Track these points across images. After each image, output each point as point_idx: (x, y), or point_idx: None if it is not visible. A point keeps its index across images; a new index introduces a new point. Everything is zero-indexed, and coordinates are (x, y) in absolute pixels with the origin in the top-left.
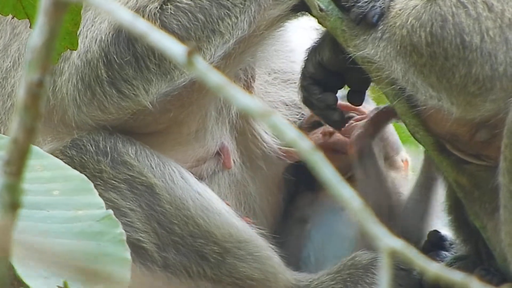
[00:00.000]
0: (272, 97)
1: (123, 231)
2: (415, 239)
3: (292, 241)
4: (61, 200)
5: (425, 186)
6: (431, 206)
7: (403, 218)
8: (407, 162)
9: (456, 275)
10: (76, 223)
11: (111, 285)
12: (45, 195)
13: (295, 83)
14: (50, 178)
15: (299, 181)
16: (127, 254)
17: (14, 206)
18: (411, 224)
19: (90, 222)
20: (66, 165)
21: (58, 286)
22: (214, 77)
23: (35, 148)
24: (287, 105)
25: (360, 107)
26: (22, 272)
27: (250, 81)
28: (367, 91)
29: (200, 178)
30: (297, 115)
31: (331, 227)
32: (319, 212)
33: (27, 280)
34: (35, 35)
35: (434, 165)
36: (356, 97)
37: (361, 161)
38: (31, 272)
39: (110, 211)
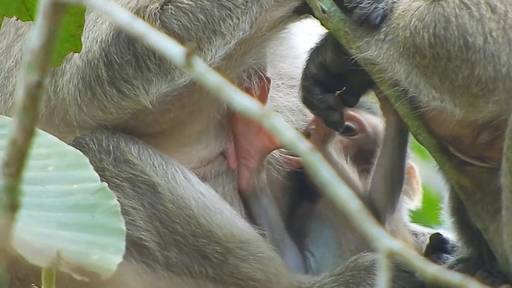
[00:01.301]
0: (277, 101)
1: (118, 202)
2: (382, 210)
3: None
4: (56, 175)
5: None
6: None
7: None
8: (411, 170)
9: (454, 277)
10: (71, 197)
11: (105, 255)
12: (40, 171)
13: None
14: (45, 154)
15: (299, 191)
16: (122, 224)
17: (13, 207)
18: (378, 192)
19: (84, 195)
20: (62, 142)
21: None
22: (213, 78)
23: None
24: (292, 111)
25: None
26: (16, 245)
27: (255, 85)
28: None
29: (203, 179)
30: (302, 120)
31: (330, 238)
32: (318, 223)
33: (21, 251)
34: (34, 36)
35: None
36: (351, 99)
37: None
38: (25, 244)
39: (105, 184)
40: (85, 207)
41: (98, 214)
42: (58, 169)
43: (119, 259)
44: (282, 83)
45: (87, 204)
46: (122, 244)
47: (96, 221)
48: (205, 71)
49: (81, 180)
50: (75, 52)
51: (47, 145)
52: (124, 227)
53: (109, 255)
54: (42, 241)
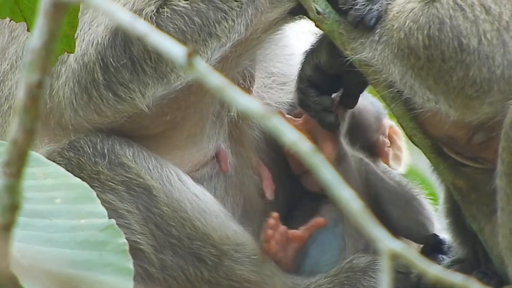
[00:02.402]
0: (270, 100)
1: (126, 241)
2: (415, 232)
3: None
4: (63, 208)
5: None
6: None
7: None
8: (392, 130)
9: (456, 277)
10: (79, 232)
11: None
12: (47, 204)
13: (291, 85)
14: (52, 186)
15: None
16: (130, 264)
17: (13, 207)
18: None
19: (92, 232)
20: (69, 173)
21: None
22: (215, 79)
23: (37, 156)
24: (284, 109)
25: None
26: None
27: (249, 85)
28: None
29: (197, 181)
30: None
31: (331, 239)
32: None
33: None
34: (34, 36)
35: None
36: (350, 100)
37: None
38: (31, 282)
39: (113, 221)
40: (93, 244)
41: (106, 252)
42: (66, 202)
43: None
44: (275, 81)
45: (95, 241)
46: (130, 284)
47: (104, 260)
48: (207, 72)
49: (89, 215)
50: (69, 53)
51: (53, 175)
52: (132, 267)
53: None
54: (50, 280)
